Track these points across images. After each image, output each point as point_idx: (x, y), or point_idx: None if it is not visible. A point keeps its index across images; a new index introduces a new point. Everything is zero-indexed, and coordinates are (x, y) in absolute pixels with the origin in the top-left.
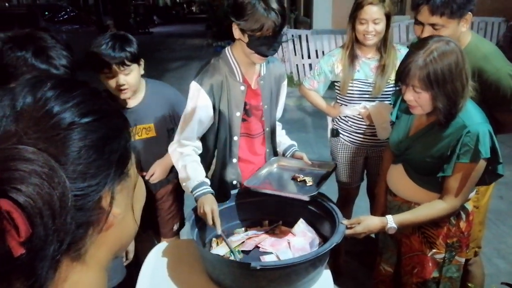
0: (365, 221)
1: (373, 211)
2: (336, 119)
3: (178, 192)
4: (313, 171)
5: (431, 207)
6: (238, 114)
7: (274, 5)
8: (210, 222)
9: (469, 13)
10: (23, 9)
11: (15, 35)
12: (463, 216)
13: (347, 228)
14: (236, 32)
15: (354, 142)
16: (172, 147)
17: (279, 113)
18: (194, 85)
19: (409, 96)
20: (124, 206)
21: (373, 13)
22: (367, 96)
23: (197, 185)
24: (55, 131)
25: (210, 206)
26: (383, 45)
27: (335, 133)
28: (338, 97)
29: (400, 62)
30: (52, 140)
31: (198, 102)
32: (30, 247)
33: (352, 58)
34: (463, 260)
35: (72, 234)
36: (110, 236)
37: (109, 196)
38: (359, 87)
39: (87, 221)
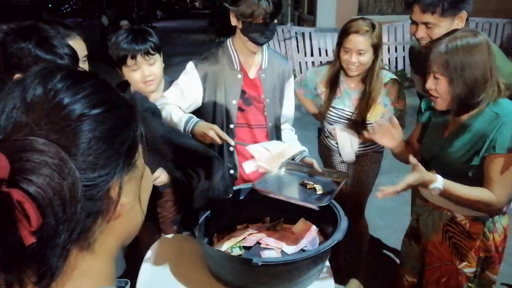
0: (422, 169)
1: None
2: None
3: (183, 192)
4: (322, 179)
5: (481, 190)
6: (234, 102)
7: None
8: (218, 140)
9: (464, 11)
10: (27, 1)
11: (17, 26)
12: (499, 228)
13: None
14: (233, 20)
15: (332, 146)
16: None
17: (288, 111)
18: (190, 65)
19: (430, 84)
20: (132, 196)
21: (358, 43)
22: (343, 126)
23: (186, 122)
24: (65, 123)
25: (209, 128)
26: (369, 76)
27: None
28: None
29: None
30: (62, 132)
31: (188, 78)
32: (41, 236)
33: (335, 83)
34: (494, 277)
35: (81, 223)
36: (119, 226)
37: (118, 186)
38: (336, 114)
39: (97, 211)
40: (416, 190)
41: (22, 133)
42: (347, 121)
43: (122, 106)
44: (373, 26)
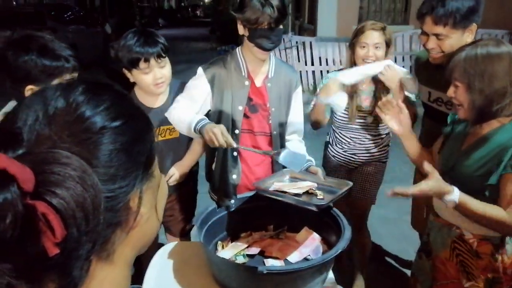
0: (438, 178)
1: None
2: (333, 129)
3: (193, 193)
4: (325, 187)
5: (497, 208)
6: (240, 108)
7: (273, 0)
8: (221, 140)
9: (474, 24)
10: (30, 8)
11: (13, 39)
12: (509, 250)
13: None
14: (240, 28)
15: (339, 154)
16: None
17: (296, 120)
18: (199, 70)
19: (450, 91)
20: (149, 205)
21: (375, 37)
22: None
23: (196, 123)
24: (87, 135)
25: (218, 127)
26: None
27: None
28: (334, 117)
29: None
30: (84, 144)
31: (197, 82)
32: (65, 248)
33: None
34: None
35: (102, 234)
36: (136, 235)
37: (137, 197)
38: (347, 116)
39: (117, 222)
40: (429, 205)
41: (46, 146)
42: (363, 120)
43: (138, 117)
44: (384, 26)
